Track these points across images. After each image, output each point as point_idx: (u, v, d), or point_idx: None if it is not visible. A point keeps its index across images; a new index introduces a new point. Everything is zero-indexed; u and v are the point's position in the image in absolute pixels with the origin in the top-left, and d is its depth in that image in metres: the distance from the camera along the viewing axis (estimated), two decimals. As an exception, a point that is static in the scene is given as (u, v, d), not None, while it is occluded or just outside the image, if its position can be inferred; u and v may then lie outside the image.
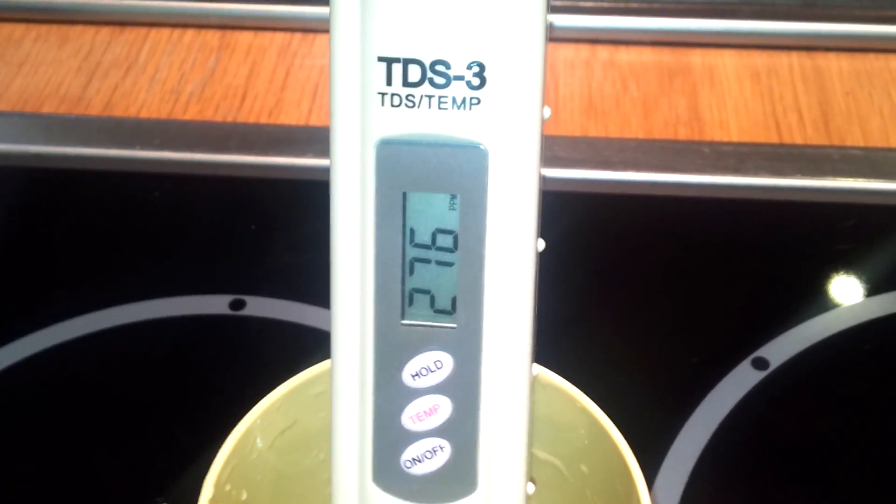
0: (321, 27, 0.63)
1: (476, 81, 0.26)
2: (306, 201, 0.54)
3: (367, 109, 0.27)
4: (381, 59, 0.26)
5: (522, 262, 0.28)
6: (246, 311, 0.49)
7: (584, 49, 0.62)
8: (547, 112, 0.28)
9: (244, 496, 0.31)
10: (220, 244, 0.53)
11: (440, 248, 0.28)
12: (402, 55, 0.26)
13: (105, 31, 0.65)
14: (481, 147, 0.27)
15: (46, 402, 0.46)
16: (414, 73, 0.26)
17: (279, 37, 0.64)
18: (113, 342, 0.48)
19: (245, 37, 0.64)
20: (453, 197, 0.27)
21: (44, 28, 0.65)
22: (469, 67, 0.26)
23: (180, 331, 0.49)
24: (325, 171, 0.55)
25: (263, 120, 0.59)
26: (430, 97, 0.26)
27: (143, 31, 0.65)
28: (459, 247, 0.28)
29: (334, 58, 0.27)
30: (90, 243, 0.53)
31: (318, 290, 0.50)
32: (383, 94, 0.27)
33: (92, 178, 0.56)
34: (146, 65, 0.62)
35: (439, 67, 0.26)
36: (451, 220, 0.28)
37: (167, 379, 0.47)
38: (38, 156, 0.57)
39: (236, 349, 0.49)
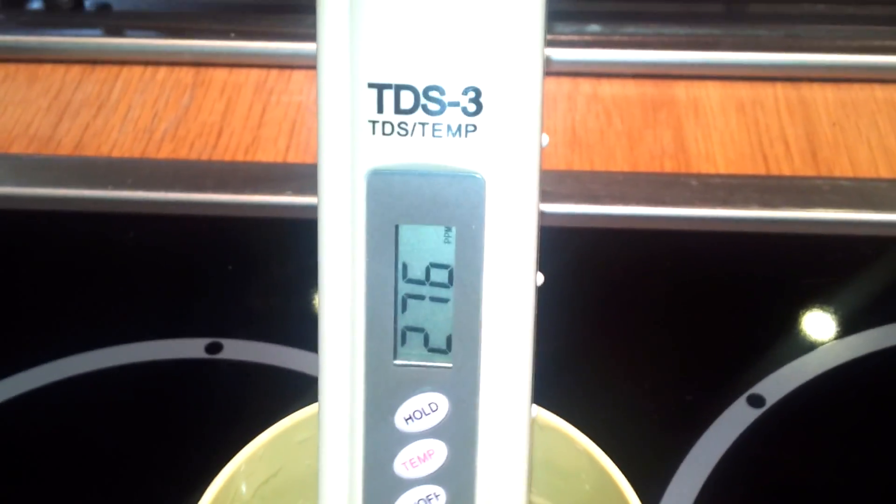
0: (298, 63, 0.62)
1: (472, 108, 0.25)
2: (284, 240, 0.53)
3: (357, 138, 0.25)
4: (371, 85, 0.25)
5: (522, 298, 0.27)
6: (223, 355, 0.48)
7: (567, 82, 0.61)
8: (545, 139, 0.26)
9: (227, 550, 0.30)
10: (195, 285, 0.51)
11: (434, 284, 0.27)
12: (393, 81, 0.25)
13: (75, 70, 0.63)
14: (478, 176, 0.25)
15: (14, 452, 0.45)
16: (406, 100, 0.25)
17: (255, 73, 0.62)
18: (84, 388, 0.46)
19: (220, 73, 0.62)
20: (448, 229, 0.26)
21: (11, 67, 0.63)
22: (465, 93, 0.25)
23: (155, 376, 0.47)
24: (304, 208, 0.54)
25: (240, 158, 0.57)
26: (423, 124, 0.25)
27: (114, 69, 0.63)
28: (455, 282, 0.26)
29: (321, 84, 0.25)
30: (61, 286, 0.51)
31: (297, 332, 0.49)
32: (374, 122, 0.25)
33: (63, 219, 0.54)
34: (118, 103, 0.61)
35: (433, 93, 0.25)
36: (447, 254, 0.26)
37: (141, 426, 0.45)
38: (7, 197, 0.55)
39: (213, 394, 0.47)
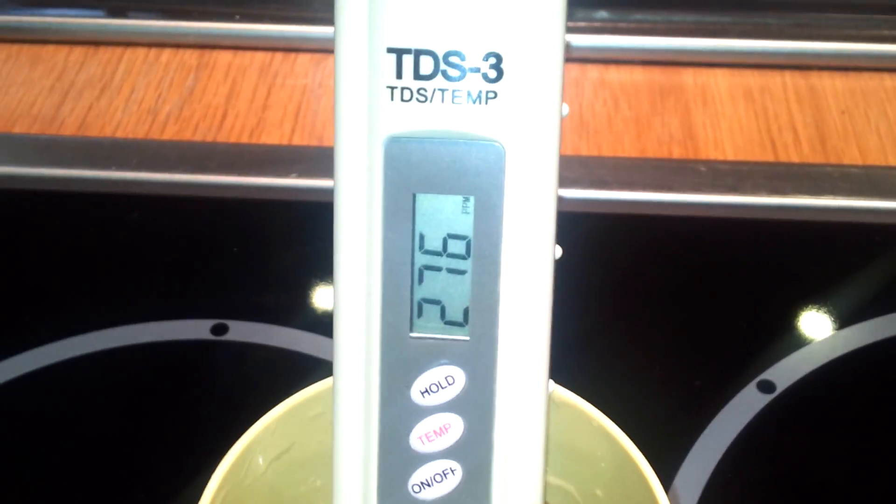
0: (303, 46, 0.62)
1: (493, 74, 0.24)
2: (289, 222, 0.53)
3: (375, 105, 0.25)
4: (390, 50, 0.24)
5: (540, 270, 0.26)
6: (228, 336, 0.47)
7: (575, 68, 0.60)
8: (565, 109, 0.26)
9: (237, 526, 0.29)
10: (200, 267, 0.51)
11: (452, 255, 0.26)
12: (413, 46, 0.24)
13: (78, 51, 0.63)
14: (498, 145, 0.25)
15: (20, 431, 0.44)
16: (426, 66, 0.24)
17: (259, 56, 0.62)
18: (88, 369, 0.46)
19: (224, 56, 0.62)
20: (466, 199, 0.26)
21: (14, 47, 0.63)
22: (485, 59, 0.24)
23: (160, 357, 0.46)
24: (309, 191, 0.54)
25: (244, 140, 0.57)
26: (443, 91, 0.25)
27: (117, 50, 0.63)
28: (473, 253, 0.26)
29: (339, 49, 0.25)
30: (65, 266, 0.51)
31: (302, 314, 0.48)
32: (393, 88, 0.25)
33: (67, 199, 0.54)
34: (122, 85, 0.60)
35: (453, 59, 0.24)
36: (464, 225, 0.26)
37: (146, 407, 0.45)
38: (10, 177, 0.55)
39: (219, 376, 0.46)
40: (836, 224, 0.52)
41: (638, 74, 0.60)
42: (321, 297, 0.49)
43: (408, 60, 0.24)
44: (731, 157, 0.55)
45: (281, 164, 0.55)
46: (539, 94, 0.25)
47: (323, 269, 0.49)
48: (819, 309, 0.48)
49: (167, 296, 0.49)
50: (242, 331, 0.47)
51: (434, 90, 0.25)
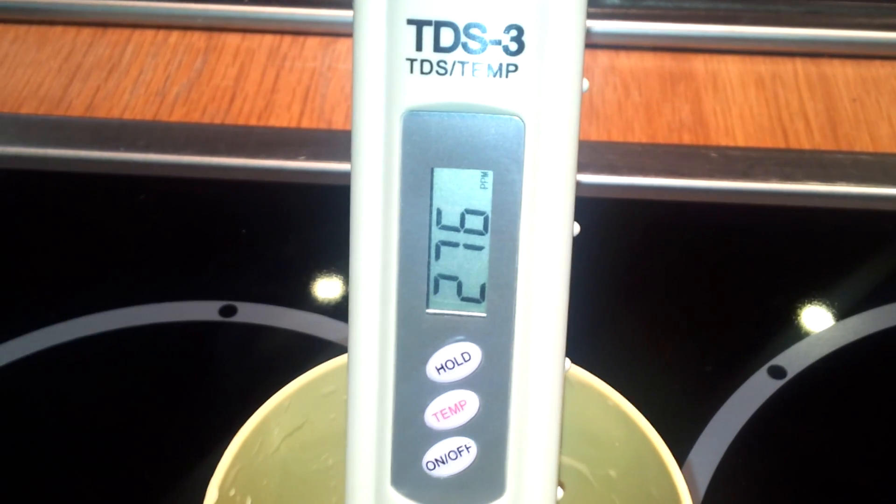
0: (312, 29, 0.62)
1: (514, 47, 0.24)
2: (297, 205, 0.53)
3: (394, 77, 0.25)
4: (410, 21, 0.24)
5: (558, 247, 0.26)
6: (237, 318, 0.47)
7: (585, 54, 0.60)
8: (585, 84, 0.26)
9: (248, 502, 0.29)
10: (209, 248, 0.51)
11: (469, 231, 0.26)
12: (433, 17, 0.24)
13: (86, 33, 0.62)
14: (517, 119, 0.25)
15: (29, 411, 0.44)
16: (446, 37, 0.24)
17: (268, 39, 0.62)
18: (98, 349, 0.46)
19: (233, 38, 0.62)
20: (485, 174, 0.25)
21: (22, 29, 0.63)
22: (506, 31, 0.24)
23: (169, 337, 0.46)
24: (318, 174, 0.53)
25: (253, 123, 0.56)
26: (463, 63, 0.24)
27: (125, 32, 0.62)
28: (491, 229, 0.26)
29: (359, 20, 0.25)
30: (74, 247, 0.51)
31: (311, 295, 0.48)
32: (412, 61, 0.24)
33: (74, 180, 0.53)
34: (130, 66, 0.60)
35: (474, 31, 0.24)
36: (482, 200, 0.26)
37: (155, 388, 0.45)
38: (17, 157, 0.54)
39: (227, 357, 0.46)
40: (846, 211, 0.52)
41: (648, 60, 0.60)
42: (329, 280, 0.49)
43: (428, 32, 0.24)
44: (741, 143, 0.55)
45: (289, 147, 0.54)
46: (560, 68, 0.25)
47: (331, 251, 0.49)
48: (829, 295, 0.48)
49: (175, 277, 0.49)
50: (251, 312, 0.47)
51: (454, 63, 0.24)
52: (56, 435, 0.43)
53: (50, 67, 0.60)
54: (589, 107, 0.57)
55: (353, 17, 0.25)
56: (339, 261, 0.49)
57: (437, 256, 0.26)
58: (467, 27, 0.24)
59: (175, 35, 0.62)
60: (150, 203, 0.53)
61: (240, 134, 0.55)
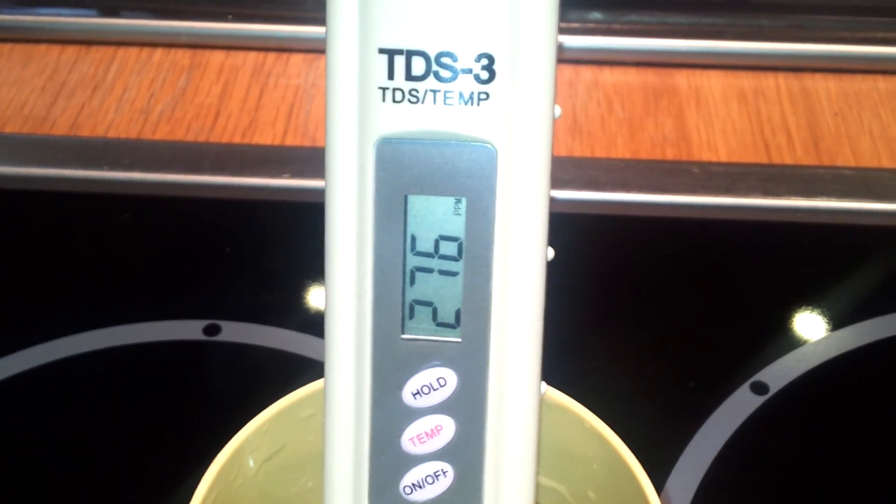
0: (296, 46, 0.62)
1: (485, 75, 0.24)
2: (282, 223, 0.53)
3: (367, 105, 0.25)
4: (382, 50, 0.24)
5: (532, 272, 0.26)
6: (221, 337, 0.47)
7: (568, 69, 0.60)
8: (557, 111, 0.26)
9: (227, 527, 0.29)
10: (193, 267, 0.51)
11: (443, 257, 0.26)
12: (405, 46, 0.24)
13: (70, 51, 0.62)
14: (490, 146, 0.25)
15: (12, 432, 0.44)
16: (418, 66, 0.24)
17: (252, 56, 0.62)
18: (80, 369, 0.46)
19: (217, 56, 0.62)
20: (458, 200, 0.25)
21: (6, 47, 0.63)
22: (477, 60, 0.24)
23: (153, 357, 0.46)
24: (302, 191, 0.53)
25: (237, 140, 0.57)
26: (434, 92, 0.25)
27: (110, 50, 0.62)
28: (465, 255, 0.26)
29: (331, 49, 0.25)
30: (57, 267, 0.51)
31: (295, 314, 0.48)
32: (384, 89, 0.25)
33: (59, 199, 0.53)
34: (114, 84, 0.60)
35: (445, 60, 0.24)
36: (456, 226, 0.26)
37: (138, 408, 0.45)
38: (1, 177, 0.54)
39: (211, 376, 0.46)
40: (828, 226, 0.52)
41: (631, 76, 0.60)
42: (314, 298, 0.49)
43: (399, 61, 0.24)
44: (724, 158, 0.55)
45: (273, 165, 0.55)
46: (531, 96, 0.25)
47: (315, 269, 0.49)
48: (812, 310, 0.48)
49: (159, 296, 0.49)
50: (235, 331, 0.47)
51: (426, 91, 0.25)
52: (36, 455, 0.43)
53: (34, 86, 0.60)
54: (572, 122, 0.57)
55: (326, 45, 0.25)
56: (323, 278, 0.48)
57: (412, 282, 0.26)
58: (438, 56, 0.24)
59: (159, 52, 0.62)
60: (135, 222, 0.53)
61: (224, 152, 0.55)
